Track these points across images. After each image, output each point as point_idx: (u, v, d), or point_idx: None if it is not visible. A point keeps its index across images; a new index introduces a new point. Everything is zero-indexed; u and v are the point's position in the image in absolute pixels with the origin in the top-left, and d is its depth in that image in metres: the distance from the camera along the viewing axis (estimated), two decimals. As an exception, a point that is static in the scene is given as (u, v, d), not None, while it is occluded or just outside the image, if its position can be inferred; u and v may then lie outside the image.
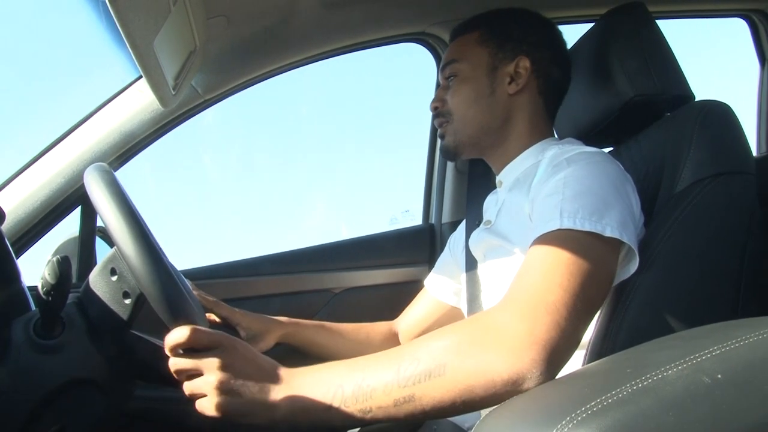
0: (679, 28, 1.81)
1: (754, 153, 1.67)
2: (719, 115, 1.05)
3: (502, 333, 0.75)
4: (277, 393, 0.78)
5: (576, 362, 0.99)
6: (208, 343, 0.79)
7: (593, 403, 0.54)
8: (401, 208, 2.21)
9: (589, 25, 1.28)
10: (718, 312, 0.95)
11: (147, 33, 1.00)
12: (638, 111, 1.16)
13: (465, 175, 1.81)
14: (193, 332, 0.78)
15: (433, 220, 1.93)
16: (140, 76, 1.44)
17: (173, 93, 1.22)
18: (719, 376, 0.55)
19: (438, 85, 1.28)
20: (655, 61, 1.15)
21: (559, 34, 1.26)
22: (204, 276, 1.63)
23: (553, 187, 0.96)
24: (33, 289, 1.17)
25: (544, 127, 1.22)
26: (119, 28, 0.92)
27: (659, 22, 1.21)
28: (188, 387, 0.81)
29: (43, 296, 0.84)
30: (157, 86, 1.14)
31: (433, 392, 0.74)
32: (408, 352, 0.77)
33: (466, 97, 1.20)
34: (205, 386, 0.79)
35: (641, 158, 1.15)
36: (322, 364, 0.82)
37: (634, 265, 0.94)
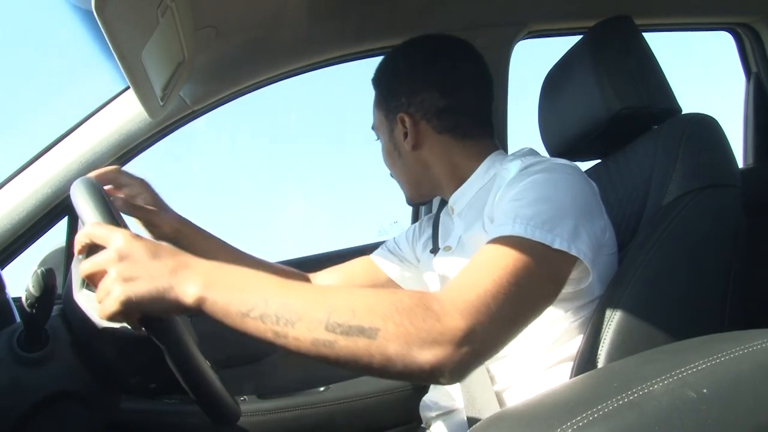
0: (666, 42, 1.83)
1: (740, 165, 1.68)
2: (705, 128, 1.06)
3: (440, 324, 0.74)
4: (186, 283, 0.76)
5: (563, 375, 1.00)
6: (105, 236, 0.79)
7: (579, 418, 0.54)
8: (390, 220, 2.22)
9: (577, 38, 1.29)
10: (704, 324, 0.95)
11: (135, 44, 0.99)
12: (625, 124, 1.16)
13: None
14: (90, 227, 0.81)
15: (422, 231, 1.92)
16: (128, 87, 1.44)
17: (161, 104, 1.22)
18: (705, 390, 0.55)
19: None
20: (642, 75, 1.16)
21: (440, 60, 1.18)
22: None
23: (516, 194, 0.96)
24: (17, 300, 1.16)
25: (476, 150, 1.18)
26: (107, 39, 0.91)
27: (646, 35, 1.22)
28: (98, 294, 0.78)
29: (28, 309, 0.83)
30: (145, 97, 1.14)
31: (354, 349, 0.73)
32: (346, 300, 0.76)
33: (387, 161, 1.25)
34: (108, 282, 0.76)
35: (628, 171, 1.15)
36: (252, 270, 0.80)
37: (588, 278, 0.94)
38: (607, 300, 0.95)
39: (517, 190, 0.97)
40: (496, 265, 0.83)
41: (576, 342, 1.00)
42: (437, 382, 0.75)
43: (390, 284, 1.37)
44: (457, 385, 1.08)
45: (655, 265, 0.95)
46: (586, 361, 0.94)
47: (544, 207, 0.91)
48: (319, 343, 0.73)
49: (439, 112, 1.16)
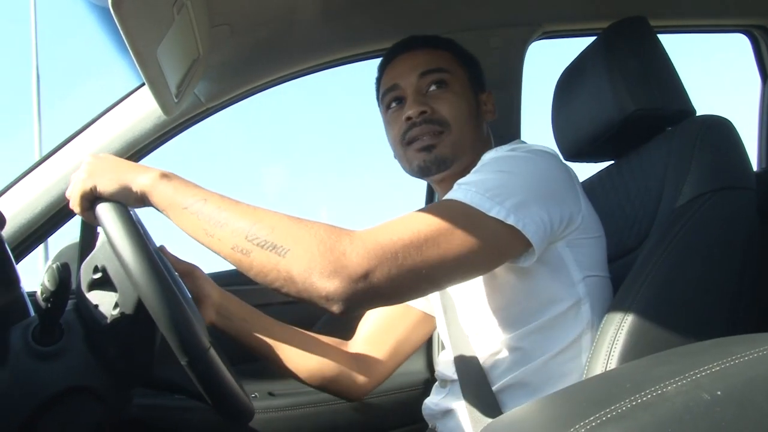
0: (681, 43, 1.82)
1: (755, 168, 1.67)
2: (720, 130, 1.06)
3: (344, 258, 0.80)
4: (143, 173, 0.89)
5: (575, 375, 1.00)
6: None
7: (592, 418, 0.54)
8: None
9: (591, 39, 1.29)
10: (717, 327, 0.95)
11: (150, 41, 1.00)
12: (639, 125, 1.16)
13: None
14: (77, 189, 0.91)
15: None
16: (143, 84, 1.45)
17: (176, 101, 1.22)
18: (719, 392, 0.55)
19: (389, 92, 1.21)
20: (657, 76, 1.16)
21: None
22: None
23: (475, 169, 1.01)
24: (32, 294, 1.17)
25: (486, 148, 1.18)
26: (123, 36, 0.92)
27: (661, 36, 1.21)
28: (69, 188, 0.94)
29: (42, 303, 0.84)
30: (159, 94, 1.14)
31: (266, 262, 0.80)
32: (268, 218, 0.83)
33: (462, 110, 1.16)
34: (78, 175, 0.92)
35: (641, 172, 1.15)
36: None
37: (533, 255, 0.95)
38: (620, 301, 0.95)
39: (480, 165, 1.01)
40: (421, 221, 0.87)
41: (587, 343, 1.00)
42: (331, 311, 0.80)
43: (426, 318, 1.33)
44: (457, 387, 1.09)
45: (668, 267, 0.94)
46: (597, 361, 0.93)
47: (493, 177, 0.95)
48: (237, 249, 0.82)
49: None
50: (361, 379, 1.28)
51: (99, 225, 0.87)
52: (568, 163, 1.11)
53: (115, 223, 0.83)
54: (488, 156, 1.08)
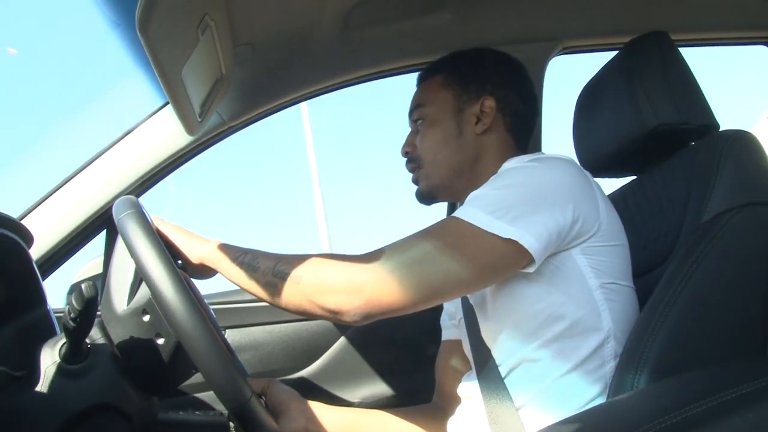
0: (703, 56, 1.81)
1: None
2: (745, 144, 1.05)
3: (346, 275, 0.95)
4: (204, 244, 1.07)
5: (598, 386, 0.98)
6: None
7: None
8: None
9: (611, 54, 1.28)
10: (746, 346, 0.93)
11: (175, 62, 1.01)
12: (662, 140, 1.15)
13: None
14: None
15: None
16: (166, 103, 1.47)
17: (199, 120, 1.24)
18: (750, 415, 0.54)
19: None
20: (679, 90, 1.15)
21: (523, 72, 1.29)
22: (231, 300, 1.65)
23: (485, 184, 1.05)
24: (57, 312, 1.18)
25: (509, 156, 1.20)
26: (149, 57, 0.94)
27: (683, 50, 1.21)
28: None
29: (71, 321, 0.85)
30: (183, 114, 1.16)
31: (288, 291, 0.96)
32: (288, 257, 0.99)
33: (434, 140, 1.23)
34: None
35: (665, 187, 1.14)
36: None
37: (534, 265, 0.97)
38: (647, 318, 0.94)
39: (492, 178, 1.06)
40: (421, 240, 0.97)
41: (611, 361, 0.99)
42: (343, 322, 0.97)
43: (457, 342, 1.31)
44: (481, 405, 1.08)
45: (695, 284, 0.93)
46: (623, 380, 0.92)
47: (495, 192, 1.00)
48: (268, 284, 0.98)
49: (514, 112, 1.23)
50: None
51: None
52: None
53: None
54: (506, 166, 1.13)
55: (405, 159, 1.28)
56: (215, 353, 0.83)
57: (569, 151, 1.35)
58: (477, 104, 1.21)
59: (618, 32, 1.58)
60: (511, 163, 1.12)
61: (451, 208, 1.81)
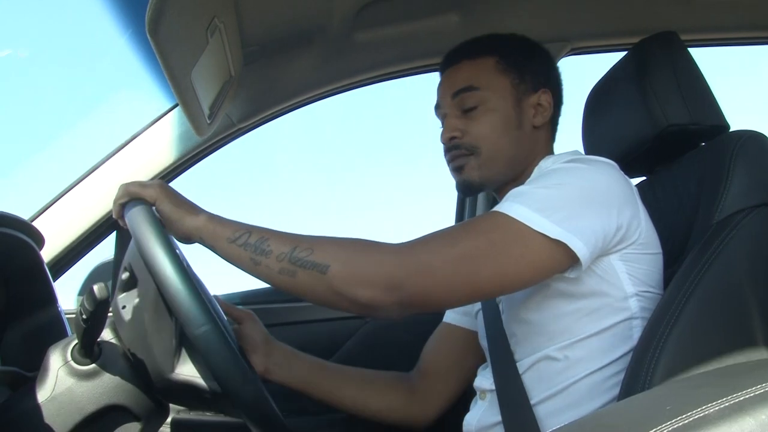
0: (713, 56, 1.80)
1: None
2: (756, 145, 1.04)
3: (383, 266, 0.88)
4: (198, 214, 0.96)
5: (610, 392, 0.98)
6: (141, 183, 0.97)
7: (632, 442, 0.53)
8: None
9: (620, 55, 1.28)
10: (759, 346, 0.92)
11: (185, 64, 1.02)
12: (672, 141, 1.15)
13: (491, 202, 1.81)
14: (126, 184, 0.96)
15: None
16: (175, 105, 1.47)
17: (209, 122, 1.24)
18: (763, 417, 0.53)
19: (436, 110, 1.20)
20: (689, 91, 1.14)
21: (557, 67, 1.25)
22: (243, 302, 1.65)
23: (530, 180, 1.02)
24: (69, 313, 1.19)
25: (551, 152, 1.20)
26: (159, 60, 0.94)
27: (692, 50, 1.20)
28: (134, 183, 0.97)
29: (82, 322, 0.86)
30: (193, 116, 1.16)
31: (309, 280, 0.88)
32: (308, 240, 0.90)
33: (495, 128, 1.13)
34: (147, 185, 0.96)
35: (674, 188, 1.13)
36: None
37: (580, 268, 0.94)
38: (658, 319, 0.94)
39: (536, 176, 1.02)
40: (462, 235, 0.92)
41: (624, 360, 0.98)
42: (377, 317, 0.91)
43: (474, 335, 1.28)
44: (495, 402, 1.07)
45: (707, 285, 0.93)
46: (635, 380, 0.92)
47: (543, 190, 0.95)
48: (283, 272, 0.88)
49: (557, 106, 1.21)
50: (425, 409, 1.28)
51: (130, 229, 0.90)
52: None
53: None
54: (545, 164, 1.10)
55: (446, 146, 1.16)
56: (181, 277, 0.82)
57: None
58: (535, 96, 1.16)
59: (627, 33, 1.57)
60: (550, 161, 1.10)
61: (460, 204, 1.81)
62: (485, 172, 1.14)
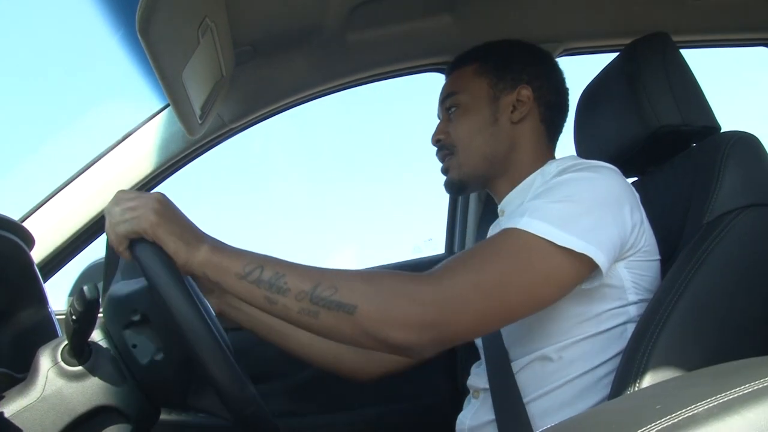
0: (704, 58, 1.81)
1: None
2: (747, 146, 1.05)
3: (416, 306, 0.82)
4: (199, 245, 0.86)
5: (601, 391, 0.99)
6: (138, 194, 0.87)
7: (621, 442, 0.53)
8: (425, 237, 2.22)
9: (614, 55, 1.28)
10: (747, 346, 0.93)
11: (176, 65, 1.02)
12: (664, 142, 1.15)
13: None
14: (122, 193, 0.87)
15: (456, 248, 1.92)
16: (167, 105, 1.47)
17: (200, 122, 1.24)
18: (752, 416, 0.53)
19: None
20: (681, 92, 1.15)
21: (556, 64, 1.28)
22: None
23: (541, 193, 0.98)
24: (59, 313, 1.18)
25: (546, 153, 1.22)
26: (149, 60, 0.94)
27: (683, 51, 1.21)
28: (125, 208, 0.85)
29: (72, 323, 0.85)
30: (184, 116, 1.16)
31: (335, 321, 0.82)
32: (330, 277, 0.84)
33: (469, 128, 1.20)
34: (142, 203, 0.84)
35: (666, 189, 1.14)
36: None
37: (599, 277, 0.94)
38: (648, 319, 0.94)
39: (544, 189, 0.99)
40: (489, 259, 0.88)
41: (615, 360, 0.99)
42: (410, 358, 0.86)
43: None
44: (489, 400, 1.08)
45: (697, 285, 0.93)
46: (625, 380, 0.92)
47: (559, 204, 0.93)
48: (304, 312, 0.83)
49: (548, 103, 1.22)
50: (371, 366, 1.29)
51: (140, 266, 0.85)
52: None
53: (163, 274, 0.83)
54: (549, 169, 1.12)
55: (435, 148, 1.25)
56: (223, 358, 0.81)
57: (570, 151, 1.35)
58: (513, 93, 1.20)
59: (619, 34, 1.58)
60: (554, 166, 1.11)
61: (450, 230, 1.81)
62: (463, 170, 1.21)
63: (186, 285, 0.83)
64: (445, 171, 1.23)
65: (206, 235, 0.89)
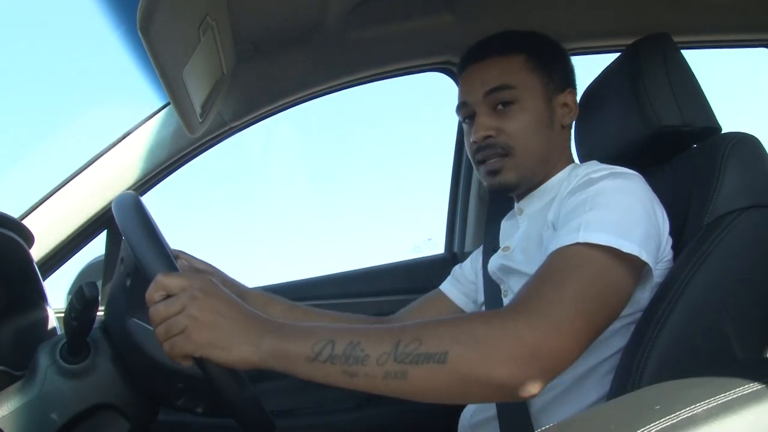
0: (705, 59, 1.81)
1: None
2: (748, 147, 1.05)
3: (511, 340, 0.74)
4: (261, 338, 0.75)
5: (601, 389, 0.99)
6: (181, 284, 0.77)
7: (621, 442, 0.53)
8: (424, 236, 2.21)
9: (614, 56, 1.28)
10: (748, 347, 0.93)
11: (177, 63, 1.01)
12: (664, 142, 1.15)
13: (487, 203, 1.81)
14: (163, 278, 0.76)
15: (455, 248, 1.92)
16: (167, 103, 1.47)
17: (200, 120, 1.24)
18: (751, 416, 0.54)
19: (461, 109, 1.18)
20: (682, 93, 1.15)
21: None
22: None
23: (579, 203, 0.94)
24: (58, 311, 1.18)
25: (570, 157, 1.21)
26: (150, 58, 0.93)
27: (685, 52, 1.21)
28: (163, 328, 0.75)
29: (71, 321, 0.85)
30: (185, 114, 1.16)
31: (427, 375, 0.73)
32: (411, 330, 0.76)
33: (528, 127, 1.11)
34: (181, 320, 0.74)
35: (666, 189, 1.14)
36: (314, 322, 0.83)
37: (650, 287, 0.94)
38: (648, 320, 0.94)
39: (584, 197, 0.95)
40: (563, 275, 0.83)
41: (614, 361, 0.99)
42: (518, 398, 0.74)
43: (459, 312, 1.31)
44: None
45: (696, 286, 0.93)
46: (625, 380, 0.92)
47: (612, 214, 0.90)
48: (390, 376, 0.73)
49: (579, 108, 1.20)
50: None
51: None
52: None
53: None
54: (578, 172, 1.06)
55: (478, 145, 1.13)
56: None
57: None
58: (562, 95, 1.16)
59: (620, 34, 1.58)
60: (581, 170, 1.06)
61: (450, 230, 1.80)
62: (522, 172, 1.12)
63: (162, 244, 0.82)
64: (495, 172, 1.13)
65: (261, 320, 0.78)
